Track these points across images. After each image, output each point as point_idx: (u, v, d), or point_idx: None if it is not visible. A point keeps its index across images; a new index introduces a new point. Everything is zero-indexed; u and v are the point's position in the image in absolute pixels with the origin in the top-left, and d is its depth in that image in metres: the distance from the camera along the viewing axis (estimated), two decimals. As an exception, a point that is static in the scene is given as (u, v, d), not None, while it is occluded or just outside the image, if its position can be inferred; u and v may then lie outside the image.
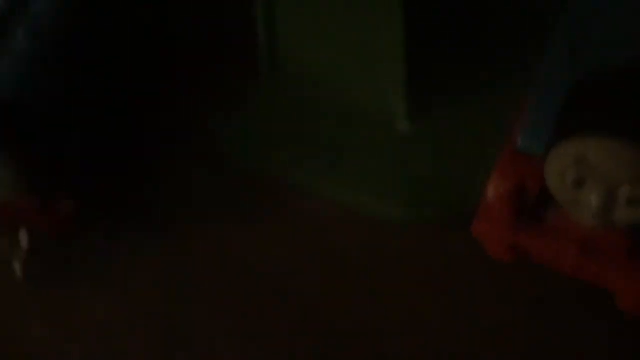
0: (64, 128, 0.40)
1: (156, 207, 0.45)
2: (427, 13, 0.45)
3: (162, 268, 0.43)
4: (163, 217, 0.44)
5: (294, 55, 0.45)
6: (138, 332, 0.42)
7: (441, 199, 0.42)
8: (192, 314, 0.42)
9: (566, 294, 0.40)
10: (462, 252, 0.42)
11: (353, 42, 0.43)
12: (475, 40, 0.46)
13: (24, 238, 0.42)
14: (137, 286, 0.43)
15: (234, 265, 0.43)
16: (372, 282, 0.42)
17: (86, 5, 0.43)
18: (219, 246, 0.43)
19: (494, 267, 0.40)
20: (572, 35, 0.36)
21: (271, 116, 0.46)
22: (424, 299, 0.41)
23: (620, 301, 0.35)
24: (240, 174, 0.45)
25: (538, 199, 0.37)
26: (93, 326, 0.42)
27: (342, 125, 0.45)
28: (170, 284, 0.43)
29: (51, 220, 0.41)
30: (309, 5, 0.43)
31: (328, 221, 0.43)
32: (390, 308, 0.41)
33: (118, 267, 0.43)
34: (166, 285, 0.43)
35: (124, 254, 0.44)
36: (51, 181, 0.40)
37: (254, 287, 0.42)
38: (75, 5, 0.43)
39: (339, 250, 0.43)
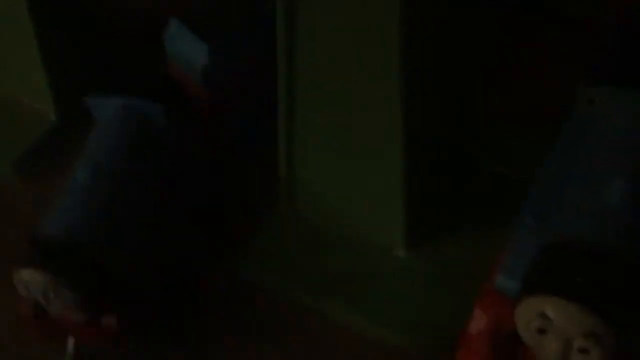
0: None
1: (193, 332, 0.51)
2: (426, 157, 0.52)
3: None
4: (199, 341, 0.51)
5: (309, 192, 0.52)
6: None
7: (433, 328, 0.48)
8: None
9: None
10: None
11: (360, 181, 0.50)
12: (468, 184, 0.53)
13: (70, 345, 0.49)
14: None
15: None
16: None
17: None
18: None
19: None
20: (539, 203, 0.42)
21: (287, 246, 0.53)
22: None
23: None
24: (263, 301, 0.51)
25: (513, 338, 0.43)
26: None
27: (349, 254, 0.52)
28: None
29: (96, 333, 0.48)
30: (324, 151, 0.51)
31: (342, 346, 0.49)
32: None
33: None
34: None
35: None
36: (100, 301, 0.47)
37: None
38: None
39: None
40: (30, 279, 0.45)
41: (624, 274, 0.38)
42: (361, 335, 0.49)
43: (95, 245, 0.46)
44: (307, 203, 0.53)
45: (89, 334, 0.48)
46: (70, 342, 0.49)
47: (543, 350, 0.40)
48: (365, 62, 0.45)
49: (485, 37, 0.56)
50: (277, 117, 0.50)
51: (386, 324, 0.48)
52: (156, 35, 0.54)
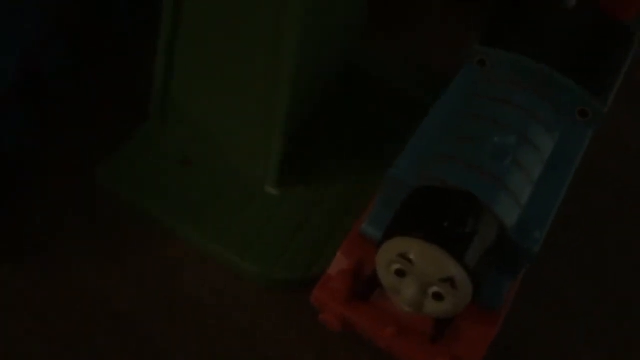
0: None
1: (28, 236, 0.48)
2: (309, 100, 0.51)
3: (20, 291, 0.47)
4: (32, 246, 0.48)
5: (183, 106, 0.50)
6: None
7: (291, 264, 0.47)
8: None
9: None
10: (299, 311, 0.47)
11: (240, 110, 0.49)
12: (347, 133, 0.53)
13: None
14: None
15: (79, 291, 0.47)
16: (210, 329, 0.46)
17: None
18: (78, 280, 0.47)
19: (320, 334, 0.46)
20: (415, 153, 0.42)
21: (153, 161, 0.50)
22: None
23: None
24: (113, 214, 0.49)
25: (369, 280, 0.43)
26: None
27: (219, 181, 0.50)
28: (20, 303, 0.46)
29: None
30: (204, 68, 0.48)
31: (187, 265, 0.48)
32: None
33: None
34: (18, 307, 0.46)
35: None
36: None
37: (95, 313, 0.46)
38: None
39: (191, 294, 0.47)
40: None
41: (491, 225, 0.38)
42: (216, 265, 0.48)
43: None
44: (180, 124, 0.51)
45: None
46: None
47: (399, 294, 0.40)
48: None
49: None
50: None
51: (244, 256, 0.47)
52: None
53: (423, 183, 0.40)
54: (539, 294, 0.48)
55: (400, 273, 0.39)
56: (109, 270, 0.48)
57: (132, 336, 0.45)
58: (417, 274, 0.38)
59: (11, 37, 0.49)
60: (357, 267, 0.43)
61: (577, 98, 0.42)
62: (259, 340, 0.46)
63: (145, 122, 0.52)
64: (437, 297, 0.38)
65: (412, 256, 0.38)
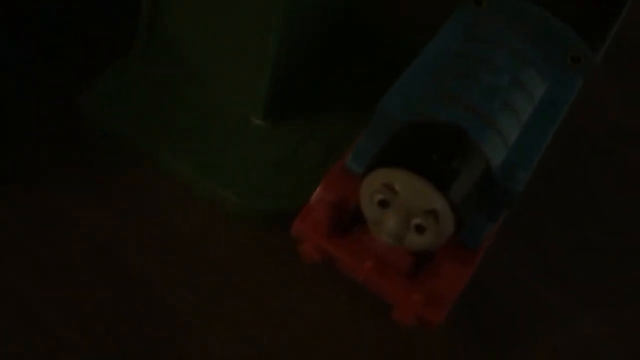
0: None
1: (11, 160, 0.48)
2: (301, 29, 0.51)
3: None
4: (13, 171, 0.48)
5: (170, 36, 0.49)
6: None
7: (275, 197, 0.47)
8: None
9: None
10: (277, 248, 0.47)
11: (229, 39, 0.48)
12: (337, 65, 0.52)
13: None
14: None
15: (61, 222, 0.47)
16: (196, 262, 0.46)
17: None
18: (59, 211, 0.47)
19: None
20: (405, 89, 0.42)
21: (138, 91, 0.50)
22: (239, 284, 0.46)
23: (395, 313, 0.41)
24: (97, 143, 0.49)
25: (351, 214, 0.43)
26: None
27: (204, 113, 0.49)
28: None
29: None
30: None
31: (170, 200, 0.48)
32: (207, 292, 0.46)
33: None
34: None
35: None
36: None
37: (78, 244, 0.46)
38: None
39: (173, 228, 0.47)
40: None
41: (478, 163, 0.38)
42: (200, 198, 0.48)
43: None
44: (164, 53, 0.50)
45: None
46: None
47: (381, 225, 0.40)
48: None
49: None
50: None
51: (227, 187, 0.47)
52: None
53: (413, 118, 0.40)
54: (518, 241, 0.48)
55: (383, 204, 0.39)
56: (92, 201, 0.47)
57: (112, 266, 0.45)
58: (400, 205, 0.38)
59: None
60: (339, 200, 0.43)
61: (571, 43, 0.42)
62: (234, 274, 0.46)
63: (128, 52, 0.51)
64: (419, 229, 0.38)
65: (397, 187, 0.38)
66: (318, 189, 0.43)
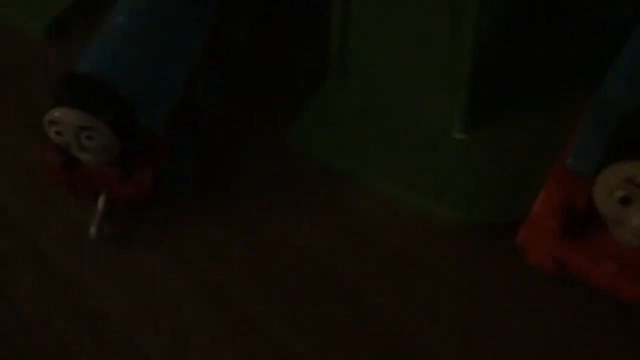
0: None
1: (228, 194, 0.48)
2: (495, 39, 0.49)
3: (225, 244, 0.47)
4: (232, 204, 0.48)
5: (362, 60, 0.49)
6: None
7: (489, 208, 0.45)
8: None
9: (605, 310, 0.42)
10: (503, 260, 0.44)
11: (422, 58, 0.47)
12: (536, 65, 0.50)
13: (101, 202, 0.46)
14: (196, 257, 0.46)
15: (289, 249, 0.46)
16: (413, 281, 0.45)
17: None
18: (277, 232, 0.47)
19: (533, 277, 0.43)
20: (630, 69, 0.38)
21: (337, 119, 0.50)
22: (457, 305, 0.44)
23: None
24: (309, 171, 0.49)
25: (583, 217, 0.40)
26: (154, 289, 0.45)
27: (404, 131, 0.48)
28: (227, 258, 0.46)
29: (129, 188, 0.45)
30: (384, 21, 0.47)
31: (384, 220, 0.47)
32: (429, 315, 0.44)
33: (184, 240, 0.47)
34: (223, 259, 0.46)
35: (187, 224, 0.47)
36: (134, 153, 0.44)
37: (295, 264, 0.45)
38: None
39: (391, 248, 0.46)
40: (62, 119, 0.41)
41: None
42: (409, 212, 0.47)
43: (130, 82, 0.43)
44: (359, 79, 0.50)
45: (121, 190, 0.45)
46: (102, 198, 0.46)
47: (624, 224, 0.36)
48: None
49: None
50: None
51: (438, 201, 0.45)
52: None
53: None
54: None
55: (625, 201, 0.36)
56: (304, 224, 0.47)
57: (329, 277, 0.45)
58: (646, 199, 0.35)
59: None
60: (566, 204, 0.40)
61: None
62: (467, 288, 0.44)
63: (324, 82, 0.51)
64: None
65: (640, 180, 0.35)
66: (542, 195, 0.41)
